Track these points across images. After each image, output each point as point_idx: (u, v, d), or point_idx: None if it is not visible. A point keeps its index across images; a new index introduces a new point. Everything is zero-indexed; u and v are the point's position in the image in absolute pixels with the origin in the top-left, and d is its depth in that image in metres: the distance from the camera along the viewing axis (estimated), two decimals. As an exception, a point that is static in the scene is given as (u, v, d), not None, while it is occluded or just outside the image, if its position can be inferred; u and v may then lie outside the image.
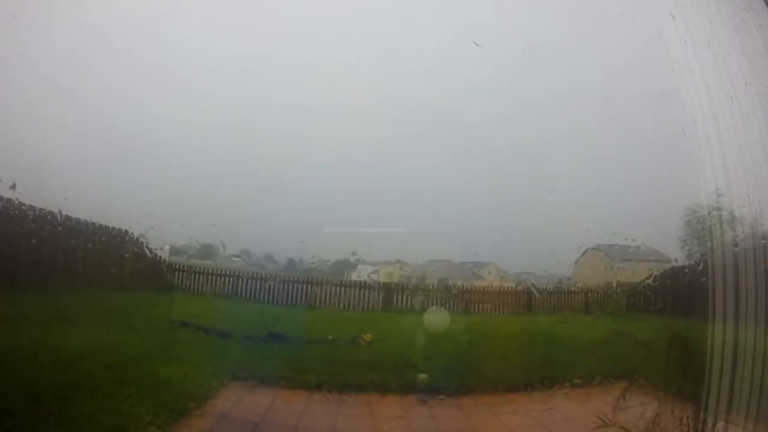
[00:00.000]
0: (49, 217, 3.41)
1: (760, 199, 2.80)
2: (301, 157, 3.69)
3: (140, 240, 3.63)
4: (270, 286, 3.94)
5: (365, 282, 3.91)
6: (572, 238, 3.47)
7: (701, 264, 2.94)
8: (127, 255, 3.72)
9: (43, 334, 3.11)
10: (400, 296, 3.97)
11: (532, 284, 3.72)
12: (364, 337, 3.67)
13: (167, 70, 3.59)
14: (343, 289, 3.95)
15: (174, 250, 3.86)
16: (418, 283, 3.92)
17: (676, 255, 3.40)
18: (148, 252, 3.66)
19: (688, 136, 2.91)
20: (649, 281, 3.51)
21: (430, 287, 3.96)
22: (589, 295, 3.79)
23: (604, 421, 2.84)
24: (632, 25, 3.40)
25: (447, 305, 3.88)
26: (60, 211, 3.36)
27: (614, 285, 3.70)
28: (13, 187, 3.13)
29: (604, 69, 3.56)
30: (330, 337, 3.73)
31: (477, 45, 3.19)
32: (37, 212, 3.38)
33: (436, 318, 3.60)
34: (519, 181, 3.66)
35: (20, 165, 3.12)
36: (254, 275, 3.95)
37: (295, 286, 3.93)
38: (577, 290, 3.78)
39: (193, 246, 3.95)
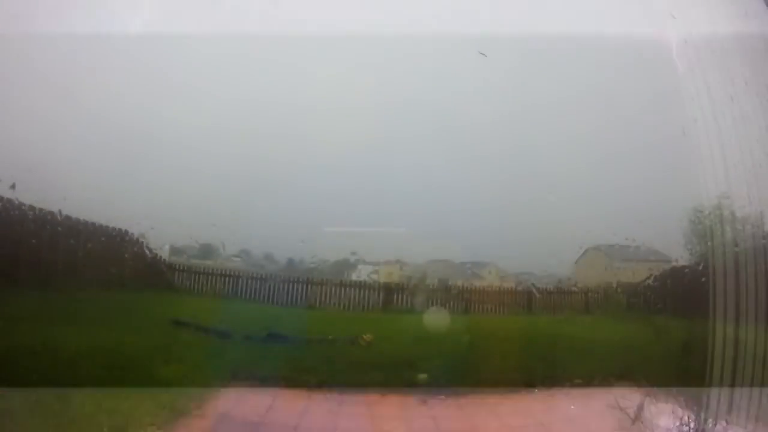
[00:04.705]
0: (48, 217, 3.40)
1: (761, 198, 2.80)
2: (302, 157, 3.69)
3: (140, 240, 3.63)
4: (270, 286, 3.95)
5: (365, 282, 3.91)
6: (572, 238, 3.48)
7: (702, 264, 2.93)
8: (127, 255, 3.72)
9: (43, 333, 3.10)
10: (400, 296, 3.97)
11: (533, 284, 3.72)
12: (364, 336, 3.66)
13: (167, 70, 3.60)
14: (343, 289, 3.95)
15: (174, 250, 3.87)
16: (418, 283, 3.93)
17: (677, 255, 3.40)
18: (148, 252, 3.66)
19: (688, 136, 2.90)
20: (650, 281, 3.51)
21: (430, 287, 3.96)
22: (590, 295, 3.79)
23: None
24: (632, 26, 3.40)
25: (447, 305, 3.88)
26: (60, 210, 3.36)
27: (614, 285, 3.70)
28: (13, 187, 3.13)
29: (605, 69, 3.56)
30: (330, 337, 3.72)
31: (483, 55, 3.18)
32: (36, 212, 3.38)
33: (436, 318, 3.60)
34: (519, 181, 3.66)
35: (20, 165, 3.11)
36: (254, 275, 3.95)
37: (295, 286, 3.94)
38: (577, 290, 3.78)
39: (193, 246, 3.95)
